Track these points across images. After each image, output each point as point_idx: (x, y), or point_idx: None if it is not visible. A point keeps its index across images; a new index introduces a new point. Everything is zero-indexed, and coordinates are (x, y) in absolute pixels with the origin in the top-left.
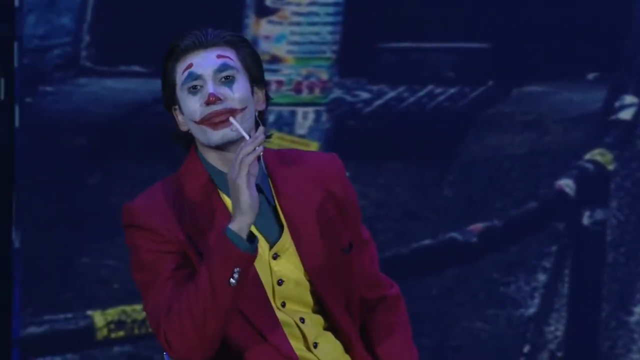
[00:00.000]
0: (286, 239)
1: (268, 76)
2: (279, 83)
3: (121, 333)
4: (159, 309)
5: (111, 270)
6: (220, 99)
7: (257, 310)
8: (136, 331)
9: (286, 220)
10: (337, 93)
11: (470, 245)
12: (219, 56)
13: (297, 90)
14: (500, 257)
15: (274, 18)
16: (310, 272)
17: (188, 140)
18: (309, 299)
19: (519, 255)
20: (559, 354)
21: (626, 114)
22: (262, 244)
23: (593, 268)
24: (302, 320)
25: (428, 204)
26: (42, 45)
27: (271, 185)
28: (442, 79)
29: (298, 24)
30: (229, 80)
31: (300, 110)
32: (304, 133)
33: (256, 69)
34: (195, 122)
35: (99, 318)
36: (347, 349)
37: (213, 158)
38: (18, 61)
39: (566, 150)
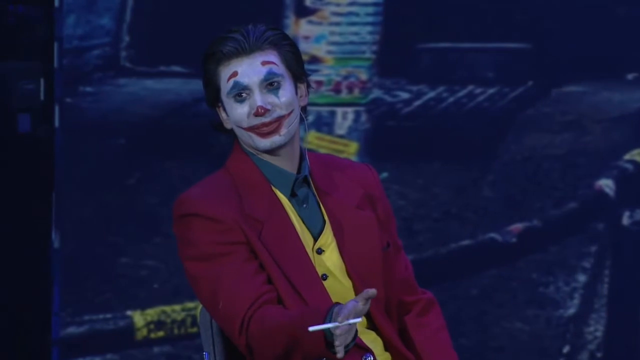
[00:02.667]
0: (328, 234)
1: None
2: (319, 83)
3: (161, 333)
4: (236, 310)
5: (150, 270)
6: (268, 110)
7: (318, 301)
8: (176, 331)
9: (328, 217)
10: (376, 93)
11: (510, 246)
12: (263, 63)
13: (337, 90)
14: (540, 257)
15: (313, 18)
16: (351, 269)
17: (231, 134)
18: (350, 296)
19: (559, 256)
20: (599, 355)
21: None
22: (307, 238)
23: (633, 268)
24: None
25: (467, 205)
26: (81, 45)
27: (312, 184)
28: (481, 79)
29: (338, 24)
30: (274, 88)
31: (339, 111)
32: (343, 133)
33: (298, 66)
34: (242, 128)
35: (138, 318)
36: (386, 348)
37: (262, 154)
38: (58, 62)
39: (606, 150)
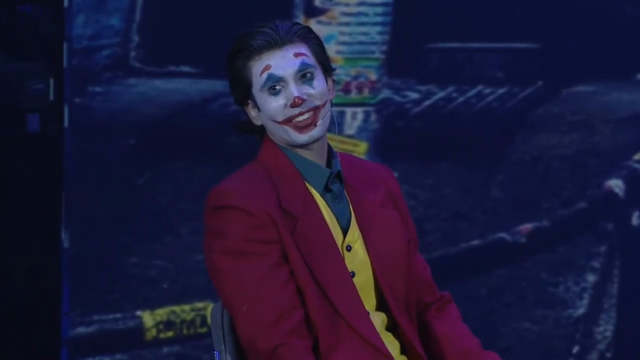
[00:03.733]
0: (355, 231)
1: None
2: None
3: (170, 333)
4: (264, 317)
5: (160, 270)
6: (305, 100)
7: (347, 301)
8: (185, 331)
9: (355, 213)
10: (385, 93)
11: (519, 246)
12: (296, 55)
13: (346, 90)
14: (549, 257)
15: (323, 18)
16: (376, 266)
17: (259, 132)
18: (373, 294)
19: (568, 256)
20: (609, 355)
21: None
22: (338, 234)
23: None
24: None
25: (476, 205)
26: (91, 45)
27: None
28: (491, 80)
29: (347, 24)
30: (308, 78)
31: (349, 111)
32: (352, 133)
33: (326, 59)
34: (277, 122)
35: (147, 318)
36: (405, 350)
37: (295, 148)
38: (67, 62)
39: (615, 151)
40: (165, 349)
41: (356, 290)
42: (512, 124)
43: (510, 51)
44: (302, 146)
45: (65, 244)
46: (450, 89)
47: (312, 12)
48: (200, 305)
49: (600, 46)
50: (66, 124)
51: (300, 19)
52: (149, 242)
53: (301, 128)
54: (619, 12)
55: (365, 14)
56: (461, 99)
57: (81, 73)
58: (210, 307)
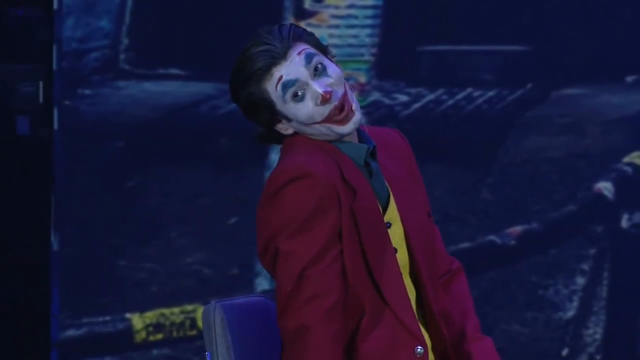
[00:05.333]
0: (393, 207)
1: None
2: None
3: (159, 336)
4: (300, 295)
5: (149, 273)
6: (331, 92)
7: (390, 280)
8: (174, 334)
9: (391, 188)
10: (375, 96)
11: (509, 248)
12: (299, 53)
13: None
14: (539, 260)
15: (312, 21)
16: (414, 243)
17: (283, 138)
18: (408, 271)
19: (558, 258)
20: (598, 357)
21: None
22: (380, 212)
23: (632, 271)
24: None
25: (467, 207)
26: (80, 48)
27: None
28: (480, 82)
29: (337, 26)
30: (321, 70)
31: None
32: None
33: (324, 46)
34: (318, 122)
35: (137, 321)
36: (426, 325)
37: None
38: (57, 64)
39: (605, 153)
40: (154, 352)
41: (400, 274)
42: (502, 126)
43: (500, 54)
44: (349, 134)
45: (55, 247)
46: (440, 91)
47: (302, 14)
48: (189, 307)
49: (590, 49)
50: (56, 126)
51: (290, 21)
52: (139, 244)
53: (341, 121)
54: (608, 15)
55: (355, 17)
56: (451, 102)
57: (71, 76)
58: (199, 309)
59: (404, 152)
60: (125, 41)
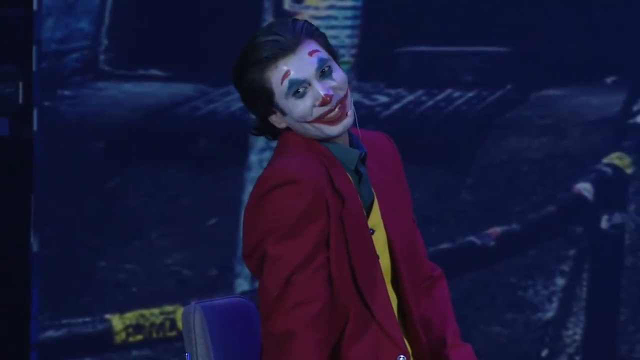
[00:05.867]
0: (377, 212)
1: None
2: None
3: (139, 337)
4: (286, 300)
5: (129, 274)
6: (332, 95)
7: (375, 289)
8: (154, 335)
9: (375, 194)
10: (355, 97)
11: (489, 249)
12: (310, 53)
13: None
14: (519, 261)
15: None
16: (396, 249)
17: (276, 131)
18: (390, 278)
19: (537, 259)
20: (577, 358)
21: None
22: (365, 218)
23: (611, 272)
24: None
25: (446, 208)
26: (60, 49)
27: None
28: (460, 83)
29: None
30: (328, 72)
31: None
32: None
33: (332, 48)
34: (309, 122)
35: (117, 322)
36: (406, 332)
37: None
38: (36, 65)
39: (584, 154)
40: (134, 352)
41: (384, 282)
42: (482, 127)
43: (479, 55)
44: (336, 137)
45: (35, 248)
46: (420, 92)
47: (282, 15)
48: (169, 308)
49: (570, 50)
50: (35, 127)
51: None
52: (119, 245)
53: (333, 121)
54: (587, 16)
55: (335, 18)
56: (430, 103)
57: (51, 76)
58: (179, 310)
59: (391, 157)
60: (105, 42)
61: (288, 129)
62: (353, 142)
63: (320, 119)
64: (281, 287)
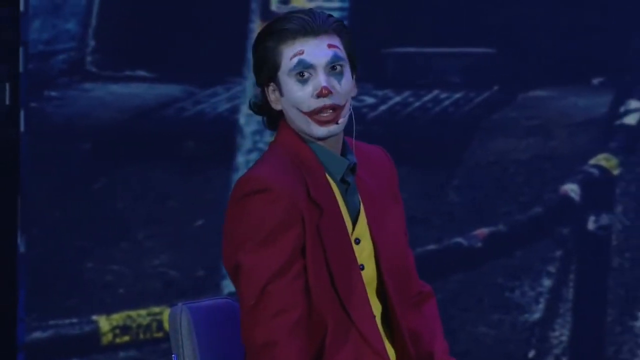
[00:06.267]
0: (363, 223)
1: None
2: None
3: (126, 338)
4: (265, 310)
5: (116, 275)
6: (331, 92)
7: (354, 297)
8: (141, 336)
9: (363, 204)
10: None
11: (475, 250)
12: (329, 46)
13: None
14: (505, 262)
15: None
16: (382, 259)
17: (274, 116)
18: (375, 288)
19: (524, 260)
20: (564, 359)
21: (631, 119)
22: (349, 226)
23: (598, 273)
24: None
25: (433, 209)
26: (47, 50)
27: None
28: (447, 84)
29: None
30: (338, 72)
31: None
32: None
33: (355, 56)
34: (302, 111)
35: (104, 323)
36: (393, 343)
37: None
38: (23, 66)
39: (571, 155)
40: (121, 354)
41: (365, 291)
42: (469, 128)
43: (466, 56)
44: (319, 139)
45: (22, 249)
46: (407, 93)
47: (269, 16)
48: (156, 309)
49: (557, 51)
50: (22, 128)
51: (257, 23)
52: (106, 246)
53: (322, 122)
54: (574, 17)
55: None
56: (417, 104)
57: (37, 78)
58: (166, 311)
59: (386, 171)
60: (92, 43)
61: (282, 115)
62: (345, 152)
63: (312, 114)
64: (257, 296)
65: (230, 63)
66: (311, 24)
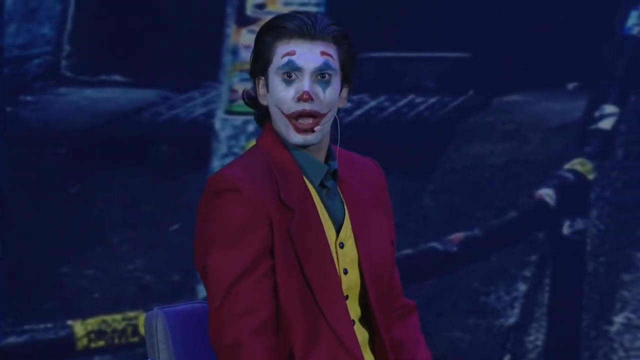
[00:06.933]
0: (348, 227)
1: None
2: None
3: (101, 343)
4: (231, 310)
5: (91, 280)
6: (312, 99)
7: (331, 301)
8: (116, 341)
9: (348, 209)
10: None
11: (451, 255)
12: (322, 53)
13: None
14: (481, 266)
15: (254, 27)
16: (365, 265)
17: (262, 110)
18: (358, 293)
19: (499, 265)
20: None
21: (606, 124)
22: (331, 230)
23: (573, 277)
24: (352, 322)
25: (408, 214)
26: (22, 54)
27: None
28: (422, 89)
29: None
30: (324, 81)
31: None
32: None
33: (350, 69)
34: (283, 112)
35: (79, 328)
36: (373, 348)
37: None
38: None
39: (546, 160)
40: (96, 358)
41: (343, 295)
42: (444, 133)
43: (441, 61)
44: (296, 146)
45: None
46: (382, 98)
47: (244, 21)
48: (131, 314)
49: (531, 56)
50: None
51: (232, 27)
52: (81, 251)
53: (300, 130)
54: (550, 22)
55: None
56: (393, 109)
57: (13, 82)
58: (141, 316)
59: (376, 182)
60: (67, 48)
61: (267, 112)
62: (329, 158)
63: (291, 117)
64: (223, 297)
65: (206, 67)
66: (310, 28)
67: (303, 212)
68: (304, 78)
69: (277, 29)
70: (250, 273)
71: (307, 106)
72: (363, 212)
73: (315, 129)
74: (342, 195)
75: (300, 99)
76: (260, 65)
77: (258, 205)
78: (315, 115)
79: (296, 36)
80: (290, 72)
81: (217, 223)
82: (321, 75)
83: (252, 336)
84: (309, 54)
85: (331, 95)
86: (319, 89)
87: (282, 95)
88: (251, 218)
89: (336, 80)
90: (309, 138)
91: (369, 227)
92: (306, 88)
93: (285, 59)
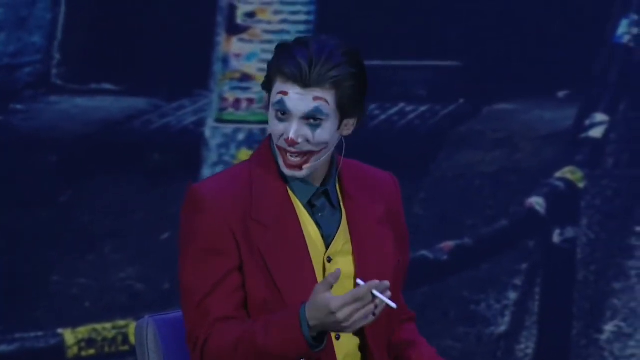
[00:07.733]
0: (340, 242)
1: (238, 94)
2: (250, 101)
3: (92, 351)
4: (203, 320)
5: (82, 288)
6: (298, 143)
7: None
8: (107, 349)
9: (348, 222)
10: None
11: (441, 263)
12: (315, 98)
13: (268, 108)
14: (471, 275)
15: (244, 36)
16: (359, 276)
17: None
18: None
19: (490, 273)
20: None
21: (596, 132)
22: (319, 245)
23: (563, 286)
24: (338, 337)
25: None
26: (12, 63)
27: (338, 188)
28: (413, 97)
29: (269, 42)
30: (315, 124)
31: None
32: None
33: (353, 105)
34: (274, 141)
35: (69, 336)
36: None
37: None
38: None
39: (537, 168)
40: None
41: None
42: (434, 141)
43: (431, 69)
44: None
45: None
46: (372, 106)
47: (234, 29)
48: (122, 323)
49: (522, 64)
50: None
51: (222, 36)
52: (72, 259)
53: (288, 165)
54: (540, 30)
55: (287, 32)
56: (383, 117)
57: (3, 90)
58: (132, 325)
59: (390, 196)
60: (58, 56)
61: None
62: (330, 174)
63: (282, 150)
64: (194, 313)
65: (196, 76)
66: (306, 75)
67: (280, 228)
68: (292, 122)
69: (279, 66)
70: (218, 288)
71: (292, 149)
72: (368, 228)
73: (304, 166)
74: (344, 210)
75: (285, 142)
76: (266, 85)
77: (220, 220)
78: (305, 153)
79: (291, 80)
80: (282, 112)
81: (188, 238)
82: (313, 118)
83: (217, 323)
84: (299, 101)
85: (321, 137)
86: (307, 132)
87: (274, 128)
88: (216, 233)
89: (329, 122)
90: (297, 173)
91: (370, 243)
92: (291, 135)
93: (279, 97)
